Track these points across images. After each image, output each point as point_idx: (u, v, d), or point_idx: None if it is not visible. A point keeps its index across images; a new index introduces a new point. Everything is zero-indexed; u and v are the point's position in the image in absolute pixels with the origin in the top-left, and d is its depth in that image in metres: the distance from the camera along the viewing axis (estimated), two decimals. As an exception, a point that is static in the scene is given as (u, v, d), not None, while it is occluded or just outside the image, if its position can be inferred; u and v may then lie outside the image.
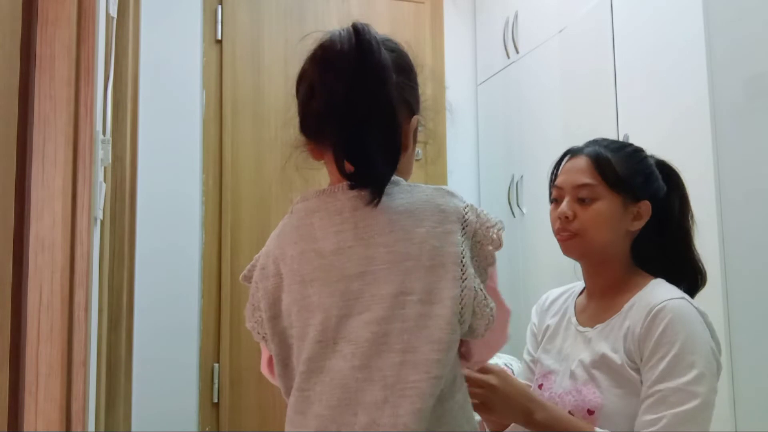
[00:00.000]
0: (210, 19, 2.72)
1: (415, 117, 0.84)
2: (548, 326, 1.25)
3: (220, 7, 2.73)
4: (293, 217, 0.84)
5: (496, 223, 0.78)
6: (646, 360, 1.00)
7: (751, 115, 1.59)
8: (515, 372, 2.12)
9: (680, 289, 1.13)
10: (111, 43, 1.49)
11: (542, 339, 1.26)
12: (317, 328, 0.76)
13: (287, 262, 0.81)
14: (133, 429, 2.01)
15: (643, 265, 1.15)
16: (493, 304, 0.77)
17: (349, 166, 0.77)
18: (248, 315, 0.87)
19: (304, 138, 0.86)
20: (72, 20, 1.09)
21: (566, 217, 1.12)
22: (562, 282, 1.30)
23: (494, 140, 2.96)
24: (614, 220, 1.10)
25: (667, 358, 0.98)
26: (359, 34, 0.79)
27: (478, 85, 3.13)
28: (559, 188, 1.15)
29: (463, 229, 0.76)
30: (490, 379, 1.02)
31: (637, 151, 1.17)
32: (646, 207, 1.12)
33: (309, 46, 0.82)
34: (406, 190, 0.80)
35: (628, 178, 1.11)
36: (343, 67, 0.76)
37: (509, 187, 2.71)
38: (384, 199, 0.77)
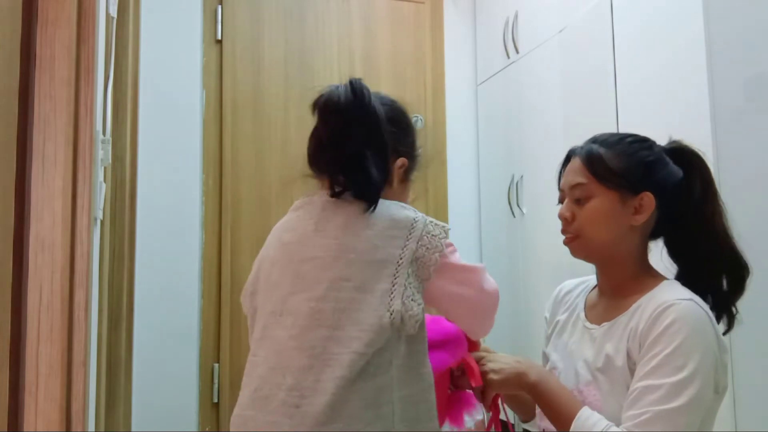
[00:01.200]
0: (210, 19, 2.72)
1: (401, 159, 1.01)
2: (558, 321, 1.23)
3: (220, 7, 2.73)
4: (288, 213, 1.02)
5: (440, 233, 0.93)
6: (642, 355, 0.99)
7: (751, 115, 1.59)
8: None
9: (722, 285, 1.09)
10: (111, 43, 1.49)
11: (552, 333, 1.24)
12: (273, 302, 0.92)
13: (269, 248, 0.99)
14: (133, 429, 2.01)
15: (683, 269, 1.12)
16: (421, 303, 0.89)
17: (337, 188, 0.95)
18: (244, 301, 1.03)
19: (310, 169, 1.03)
20: (72, 20, 1.09)
21: (565, 219, 1.11)
22: (561, 281, 1.30)
23: (494, 140, 2.96)
24: (611, 216, 1.08)
25: (660, 356, 0.95)
26: (354, 87, 0.95)
27: (478, 85, 3.13)
28: (561, 190, 1.16)
29: (409, 235, 0.90)
30: (481, 353, 1.10)
31: (637, 142, 1.12)
32: (648, 198, 1.08)
33: (312, 96, 1.00)
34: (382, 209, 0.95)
35: (623, 171, 1.08)
36: (342, 109, 0.95)
37: (509, 187, 2.71)
38: (346, 204, 0.93)
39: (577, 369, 1.11)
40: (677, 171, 1.12)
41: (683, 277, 1.12)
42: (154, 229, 2.42)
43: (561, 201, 1.16)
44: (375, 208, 0.93)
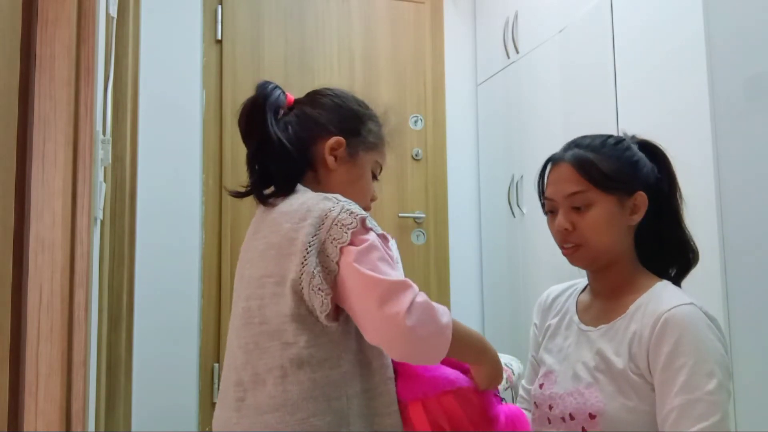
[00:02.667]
0: (210, 19, 2.72)
1: (334, 139, 0.99)
2: (549, 325, 1.23)
3: (220, 7, 2.73)
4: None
5: (352, 222, 0.88)
6: (662, 370, 0.98)
7: (751, 115, 1.59)
8: (515, 372, 2.12)
9: (673, 269, 1.12)
10: (111, 43, 1.49)
11: (543, 338, 1.23)
12: (235, 309, 0.96)
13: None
14: (133, 429, 2.01)
15: (643, 253, 1.13)
16: (327, 290, 0.85)
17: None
18: None
19: None
20: (72, 20, 1.09)
21: (566, 230, 1.09)
22: (561, 281, 1.30)
23: (494, 140, 2.96)
24: (612, 221, 1.08)
25: (685, 369, 0.95)
26: (257, 87, 1.03)
27: (478, 85, 3.13)
28: (551, 200, 1.13)
29: (321, 225, 0.88)
30: None
31: (619, 143, 1.12)
32: (641, 198, 1.09)
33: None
34: (297, 197, 0.94)
35: (617, 173, 1.08)
36: (240, 114, 1.03)
37: (509, 187, 2.71)
38: (280, 202, 0.95)
39: (576, 371, 1.10)
40: (653, 166, 1.13)
41: (640, 261, 1.13)
42: (154, 229, 2.42)
43: (550, 210, 1.14)
44: (283, 196, 0.94)
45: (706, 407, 0.93)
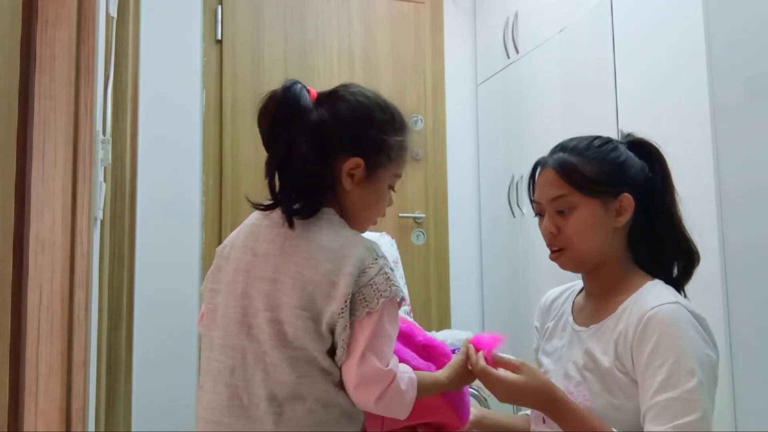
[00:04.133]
0: (210, 19, 2.72)
1: (352, 159, 0.94)
2: (548, 328, 1.24)
3: (220, 7, 2.73)
4: (254, 215, 1.01)
5: (386, 291, 0.90)
6: (644, 368, 0.98)
7: (751, 115, 1.59)
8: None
9: (674, 270, 1.11)
10: (111, 43, 1.49)
11: (542, 341, 1.25)
12: (239, 312, 0.92)
13: (235, 250, 0.98)
14: (133, 429, 2.01)
15: (639, 254, 1.13)
16: (346, 337, 0.89)
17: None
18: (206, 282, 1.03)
19: None
20: (72, 20, 1.09)
21: (551, 234, 1.10)
22: (561, 282, 1.30)
23: (494, 140, 2.96)
24: (597, 224, 1.08)
25: (666, 367, 0.95)
26: (284, 87, 0.94)
27: (478, 85, 3.13)
28: (538, 203, 1.14)
29: (359, 277, 0.89)
30: (522, 377, 1.03)
31: (605, 144, 1.12)
32: (627, 200, 1.08)
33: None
34: (334, 231, 0.94)
35: (600, 176, 1.08)
36: (262, 115, 0.95)
37: (509, 187, 2.71)
38: (314, 229, 0.93)
39: (567, 370, 1.11)
40: (644, 165, 1.12)
41: (638, 263, 1.13)
42: (154, 229, 2.42)
43: (538, 213, 1.15)
44: (290, 224, 0.92)
45: (685, 405, 0.93)
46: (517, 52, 2.71)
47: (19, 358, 1.02)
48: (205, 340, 0.98)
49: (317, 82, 2.44)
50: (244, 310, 0.92)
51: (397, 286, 0.92)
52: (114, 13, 1.49)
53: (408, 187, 2.96)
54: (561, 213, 1.09)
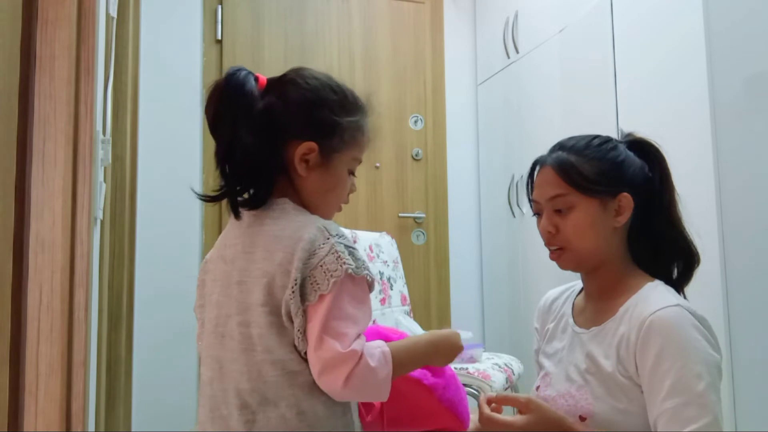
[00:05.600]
0: (210, 19, 2.72)
1: (304, 144, 0.92)
2: (548, 329, 1.23)
3: (220, 7, 2.73)
4: (228, 223, 0.98)
5: (337, 270, 0.85)
6: (650, 374, 0.97)
7: (751, 114, 1.59)
8: (515, 372, 2.12)
9: (674, 271, 1.11)
10: (111, 43, 1.49)
11: (543, 342, 1.24)
12: (213, 322, 0.92)
13: (212, 261, 0.98)
14: (133, 429, 2.01)
15: (638, 254, 1.12)
16: (299, 324, 0.86)
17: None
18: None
19: None
20: (72, 20, 1.09)
21: (549, 233, 1.10)
22: (561, 282, 1.30)
23: (494, 140, 2.96)
24: (596, 224, 1.07)
25: (673, 372, 0.94)
26: (227, 76, 0.91)
27: (478, 85, 3.13)
28: (537, 202, 1.13)
29: (309, 259, 0.86)
30: (529, 417, 1.01)
31: (604, 143, 1.12)
32: (626, 199, 1.08)
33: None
34: (288, 218, 0.91)
35: (598, 176, 1.07)
36: (207, 104, 0.94)
37: (509, 187, 2.71)
38: (269, 222, 0.91)
39: (569, 373, 1.10)
40: (643, 165, 1.12)
41: (638, 263, 1.12)
42: (154, 229, 2.43)
43: (537, 212, 1.14)
44: (236, 215, 0.91)
45: (696, 409, 0.92)
46: (517, 52, 2.71)
47: (19, 358, 1.02)
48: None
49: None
50: (217, 320, 0.91)
51: (354, 264, 0.86)
52: (114, 13, 1.49)
53: (408, 187, 2.96)
54: (559, 212, 1.09)
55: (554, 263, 1.14)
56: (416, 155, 2.97)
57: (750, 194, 1.58)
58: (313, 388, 0.87)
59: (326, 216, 0.95)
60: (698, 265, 1.11)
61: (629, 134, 1.17)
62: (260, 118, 0.90)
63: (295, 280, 0.84)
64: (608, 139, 1.13)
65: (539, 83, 2.53)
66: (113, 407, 1.68)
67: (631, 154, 1.12)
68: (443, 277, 2.98)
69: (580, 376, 1.07)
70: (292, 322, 0.86)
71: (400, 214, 2.93)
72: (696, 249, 1.11)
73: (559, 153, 1.11)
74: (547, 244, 1.12)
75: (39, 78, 1.07)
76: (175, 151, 2.58)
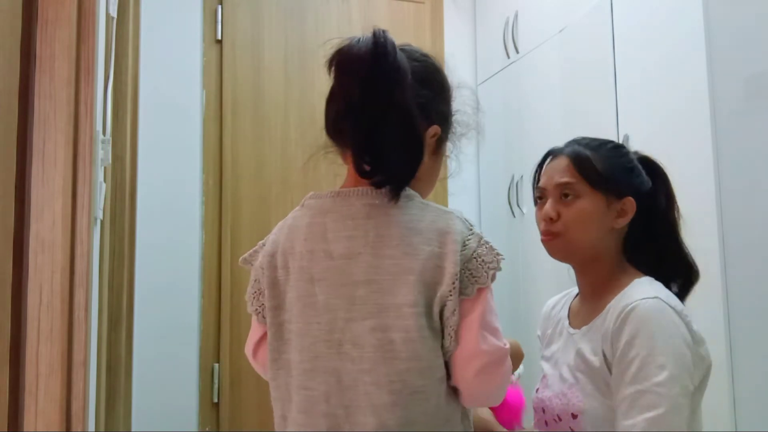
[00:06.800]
0: (210, 19, 2.72)
1: (433, 127, 0.86)
2: (548, 334, 1.26)
3: (220, 7, 2.73)
4: (305, 212, 0.87)
5: (492, 261, 0.81)
6: (617, 362, 0.99)
7: (751, 114, 1.59)
8: (519, 375, 2.11)
9: (675, 285, 1.12)
10: (111, 43, 1.49)
11: (544, 347, 1.27)
12: (324, 328, 0.80)
13: (296, 258, 0.84)
14: (133, 429, 2.01)
15: (636, 263, 1.14)
16: (454, 323, 0.80)
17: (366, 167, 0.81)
18: (250, 299, 0.90)
19: (329, 140, 0.89)
20: (72, 20, 1.09)
21: (550, 219, 1.11)
22: (561, 282, 1.30)
23: (494, 140, 2.96)
24: (597, 218, 1.10)
25: (637, 360, 0.96)
26: (376, 38, 0.81)
27: (478, 85, 3.13)
28: (542, 189, 1.16)
29: (462, 251, 0.79)
30: None
31: (618, 147, 1.16)
32: (630, 203, 1.11)
33: (329, 51, 0.88)
34: (419, 207, 0.83)
35: (609, 174, 1.10)
36: (359, 69, 0.81)
37: (509, 187, 2.71)
38: (396, 212, 0.81)
39: (562, 373, 1.12)
40: (648, 179, 1.15)
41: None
42: (154, 229, 2.42)
43: (539, 198, 1.16)
44: (397, 200, 0.80)
45: (653, 398, 0.93)
46: (517, 52, 2.71)
47: (19, 358, 1.02)
48: (272, 365, 0.85)
49: (317, 82, 2.44)
50: (329, 325, 0.80)
51: (501, 254, 0.82)
52: (114, 13, 1.49)
53: (408, 187, 2.96)
54: (565, 199, 1.10)
55: (554, 263, 1.15)
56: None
57: (750, 194, 1.58)
58: (450, 398, 0.81)
59: None
60: (696, 281, 1.14)
61: (636, 152, 1.19)
62: (412, 91, 0.82)
63: (454, 275, 0.78)
64: (622, 146, 1.18)
65: (539, 83, 2.53)
66: (113, 407, 1.68)
67: (639, 165, 1.15)
68: (443, 277, 2.97)
69: (572, 375, 1.09)
70: (441, 321, 0.79)
71: (400, 214, 2.92)
72: (696, 266, 1.14)
73: (576, 146, 1.14)
74: (544, 230, 1.13)
75: (39, 78, 1.07)
76: (175, 151, 2.58)
